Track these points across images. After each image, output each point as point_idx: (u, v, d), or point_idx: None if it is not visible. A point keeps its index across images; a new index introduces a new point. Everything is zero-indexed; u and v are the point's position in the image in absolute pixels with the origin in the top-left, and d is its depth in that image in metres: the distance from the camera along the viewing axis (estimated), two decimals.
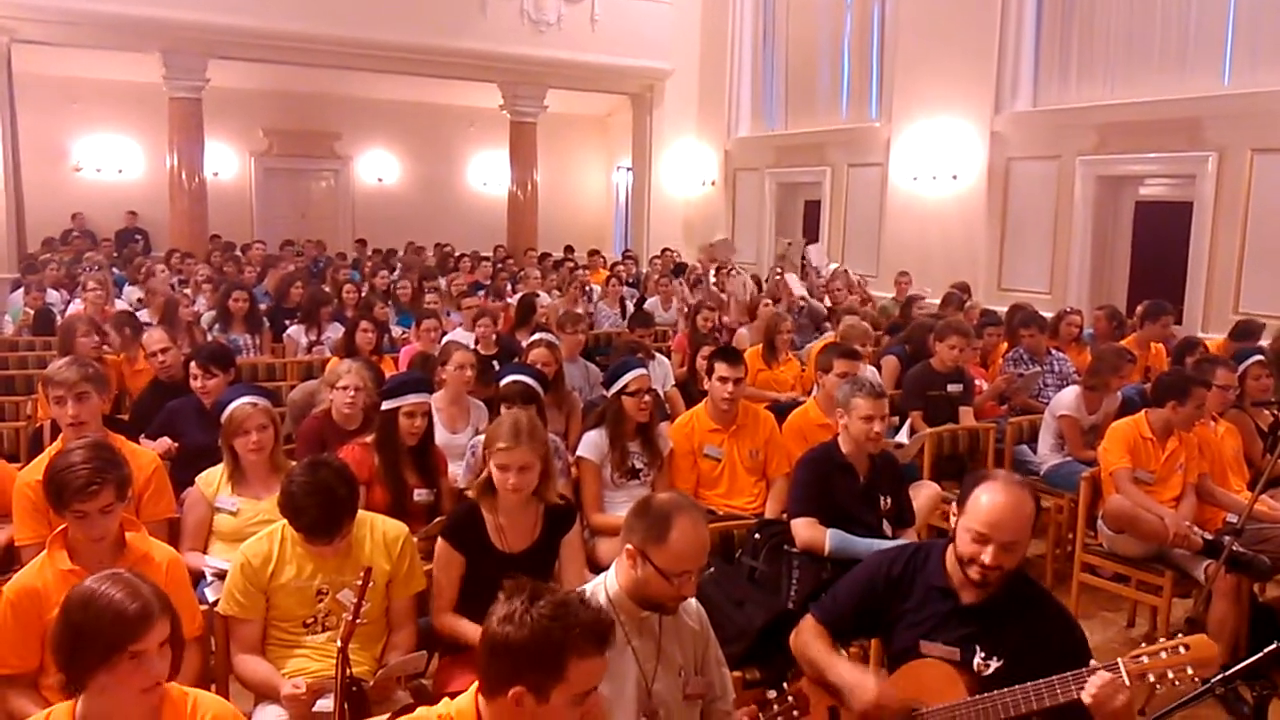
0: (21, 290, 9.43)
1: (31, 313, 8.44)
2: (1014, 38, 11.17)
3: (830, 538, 3.68)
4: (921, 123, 12.10)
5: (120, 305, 8.79)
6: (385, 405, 3.97)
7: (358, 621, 2.58)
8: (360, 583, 2.61)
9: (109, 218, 15.65)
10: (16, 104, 12.62)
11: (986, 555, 2.38)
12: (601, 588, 2.50)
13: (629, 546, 2.42)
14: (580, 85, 15.76)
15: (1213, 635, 4.09)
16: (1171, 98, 9.63)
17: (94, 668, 1.89)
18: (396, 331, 8.01)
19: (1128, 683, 2.12)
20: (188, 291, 9.63)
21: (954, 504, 2.55)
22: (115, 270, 11.40)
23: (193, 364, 4.64)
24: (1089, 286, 10.63)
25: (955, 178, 11.73)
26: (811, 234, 14.78)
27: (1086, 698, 2.14)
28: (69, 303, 8.86)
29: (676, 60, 15.96)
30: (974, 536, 2.41)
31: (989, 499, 2.41)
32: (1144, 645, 2.16)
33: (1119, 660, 2.16)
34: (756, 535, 3.79)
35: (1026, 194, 11.25)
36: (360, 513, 3.02)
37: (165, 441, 4.35)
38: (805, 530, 3.73)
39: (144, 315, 7.53)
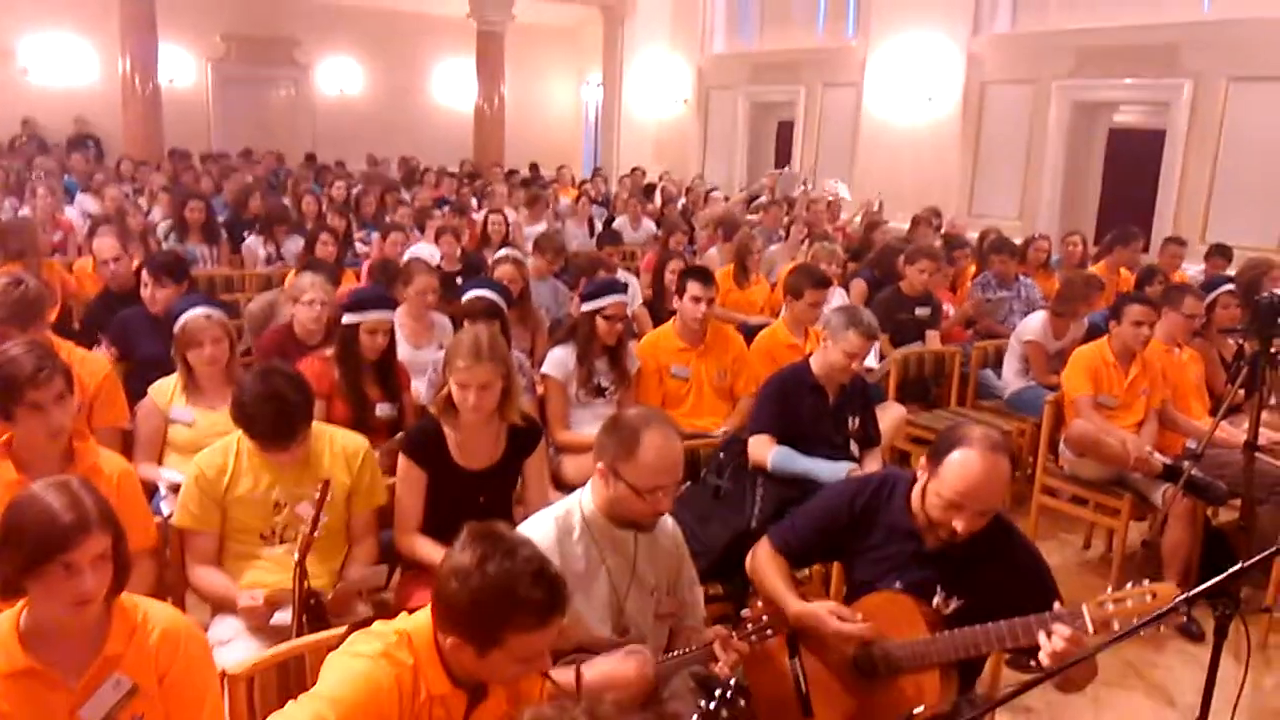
0: None
1: None
2: None
3: (773, 454, 3.67)
4: (898, 42, 11.91)
5: (72, 214, 8.54)
6: (346, 319, 3.87)
7: (315, 534, 2.53)
8: (318, 495, 2.55)
9: (60, 123, 15.12)
10: None
11: (959, 524, 2.28)
12: (577, 506, 2.46)
13: (600, 465, 2.37)
14: None
15: (1167, 558, 4.21)
16: (1151, 23, 9.52)
17: (24, 574, 1.82)
18: (360, 247, 7.85)
19: (1091, 630, 2.06)
20: (142, 201, 9.37)
21: (924, 460, 2.43)
22: (67, 177, 11.04)
23: (144, 272, 4.48)
24: (1059, 213, 10.64)
25: (931, 100, 11.60)
26: (784, 156, 14.61)
27: (1044, 658, 2.07)
28: (18, 210, 8.56)
29: None
30: (946, 504, 2.30)
31: (964, 466, 2.27)
32: (1110, 591, 2.10)
33: (1083, 606, 2.10)
34: (722, 454, 3.77)
35: (1001, 119, 11.17)
36: (319, 425, 2.95)
37: (105, 350, 4.23)
38: (756, 447, 3.72)
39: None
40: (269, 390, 2.72)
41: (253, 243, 7.43)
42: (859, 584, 2.55)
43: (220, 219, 8.08)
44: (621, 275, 6.11)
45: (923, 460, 2.44)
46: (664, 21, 16.07)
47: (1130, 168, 10.30)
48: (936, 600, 2.41)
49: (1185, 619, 3.98)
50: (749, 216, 10.04)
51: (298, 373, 2.93)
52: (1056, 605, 2.19)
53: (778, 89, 14.56)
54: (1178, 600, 1.81)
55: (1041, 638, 2.09)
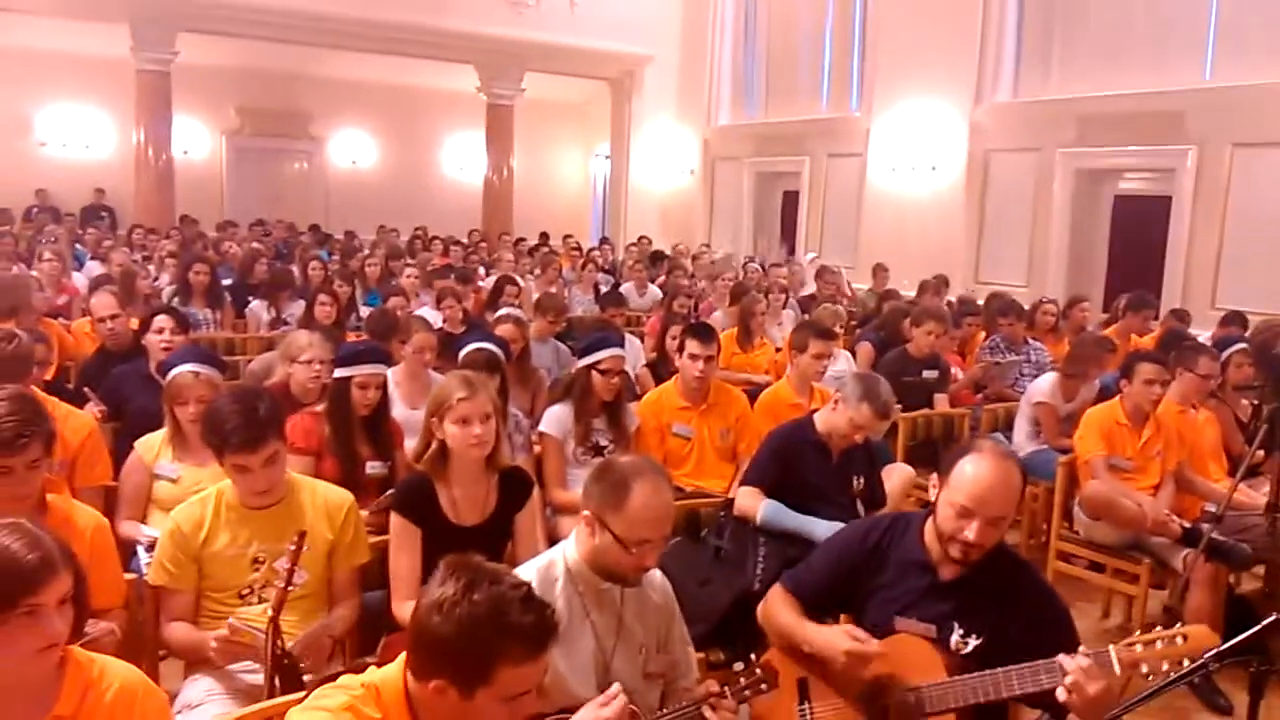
0: None
1: None
2: (996, 27, 11.12)
3: (763, 508, 3.55)
4: (902, 113, 12.01)
5: (79, 280, 8.56)
6: (338, 373, 3.81)
7: (289, 588, 2.40)
8: (293, 547, 2.44)
9: (76, 194, 15.30)
10: None
11: (970, 532, 2.23)
12: (560, 557, 2.35)
13: (586, 513, 2.27)
14: (558, 69, 15.56)
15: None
16: (1153, 90, 9.58)
17: None
18: (365, 311, 7.83)
19: (1118, 672, 1.97)
20: (150, 268, 9.39)
21: (935, 476, 2.40)
22: (78, 246, 11.11)
23: (161, 316, 4.52)
24: (1066, 280, 10.57)
25: (934, 169, 11.65)
26: (790, 225, 14.67)
27: (1060, 694, 1.99)
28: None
29: (657, 46, 15.77)
30: (958, 511, 2.25)
31: (975, 471, 2.25)
32: (1139, 633, 2.00)
33: (1110, 647, 2.00)
34: (723, 514, 3.65)
35: (1005, 186, 11.19)
36: (301, 478, 2.86)
37: (94, 407, 4.18)
38: (744, 498, 3.62)
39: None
40: (236, 395, 2.77)
41: (256, 307, 7.42)
42: (872, 628, 2.44)
43: (226, 284, 8.10)
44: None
45: (934, 478, 2.39)
46: (670, 95, 16.29)
47: (1137, 233, 10.26)
48: (954, 640, 2.30)
49: (1206, 688, 3.81)
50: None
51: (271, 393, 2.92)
52: (1082, 649, 2.08)
53: (783, 159, 14.68)
54: (1208, 655, 1.68)
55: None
